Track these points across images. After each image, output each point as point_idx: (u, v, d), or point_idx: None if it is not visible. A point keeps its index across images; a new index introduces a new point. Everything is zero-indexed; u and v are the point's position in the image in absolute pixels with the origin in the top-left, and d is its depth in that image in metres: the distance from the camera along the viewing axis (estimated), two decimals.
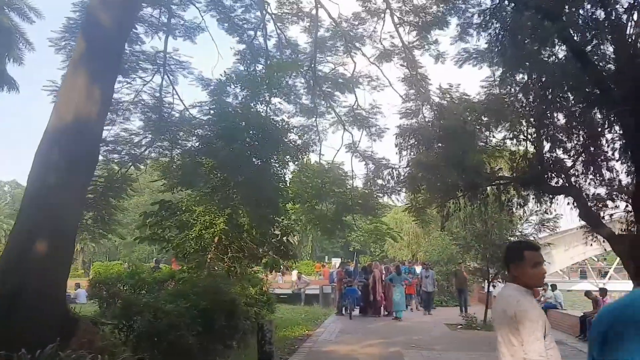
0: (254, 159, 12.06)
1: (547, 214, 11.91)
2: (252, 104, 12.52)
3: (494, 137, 12.01)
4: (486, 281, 17.97)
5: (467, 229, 17.81)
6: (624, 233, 9.03)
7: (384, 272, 21.89)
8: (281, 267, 14.16)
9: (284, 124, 14.39)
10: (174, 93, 13.95)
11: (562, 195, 10.97)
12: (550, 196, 11.01)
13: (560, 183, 10.17)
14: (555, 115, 10.80)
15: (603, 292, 17.09)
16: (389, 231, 17.85)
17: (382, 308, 20.96)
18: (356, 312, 20.73)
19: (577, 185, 9.97)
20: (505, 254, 3.74)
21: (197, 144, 12.65)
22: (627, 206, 10.08)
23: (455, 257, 20.42)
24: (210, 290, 9.35)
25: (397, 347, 12.94)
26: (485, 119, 11.70)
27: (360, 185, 16.71)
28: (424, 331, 16.21)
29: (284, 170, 15.38)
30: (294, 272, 26.37)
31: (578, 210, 9.70)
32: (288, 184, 15.08)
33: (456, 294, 22.30)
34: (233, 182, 11.50)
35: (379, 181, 14.99)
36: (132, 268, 16.41)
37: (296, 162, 15.66)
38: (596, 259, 40.52)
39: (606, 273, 41.79)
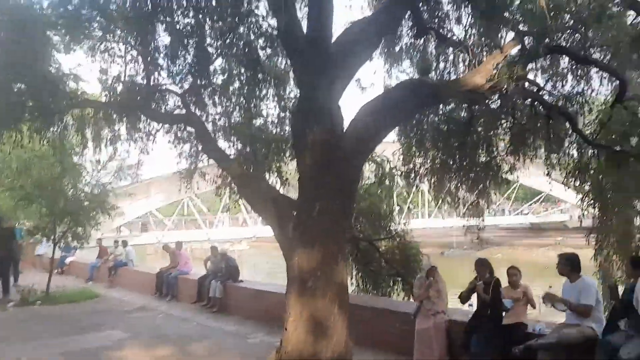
0: None
1: (145, 153, 9.48)
2: None
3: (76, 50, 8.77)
4: (51, 242, 14.44)
5: (24, 177, 13.69)
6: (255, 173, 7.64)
7: None
8: None
9: None
10: None
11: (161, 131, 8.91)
12: (153, 129, 8.75)
13: (176, 111, 8.06)
14: (159, 31, 8.51)
15: (179, 245, 16.17)
16: None
17: None
18: None
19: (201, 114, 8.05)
20: None
21: None
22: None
23: (5, 213, 15.79)
24: None
25: None
26: (61, 31, 8.35)
27: None
28: None
29: None
30: None
31: (202, 145, 7.83)
32: None
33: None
34: None
35: None
36: None
37: None
38: (158, 213, 41.12)
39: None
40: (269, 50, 8.46)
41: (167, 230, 39.86)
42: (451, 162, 10.68)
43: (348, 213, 5.65)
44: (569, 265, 6.01)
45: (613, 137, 9.98)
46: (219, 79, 8.65)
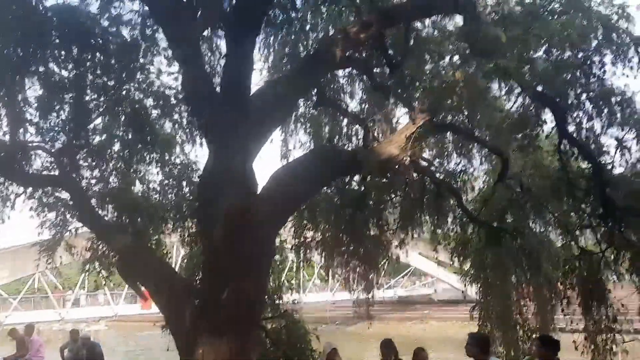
0: None
1: None
2: None
3: None
4: None
5: None
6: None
7: None
8: None
9: None
10: None
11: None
12: (11, 193, 7.44)
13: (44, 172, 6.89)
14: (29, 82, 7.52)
15: (29, 329, 13.91)
16: None
17: None
18: None
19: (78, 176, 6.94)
20: None
21: None
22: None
23: None
24: None
25: None
26: None
27: None
28: None
29: None
30: None
31: (78, 212, 6.70)
32: None
33: None
34: None
35: None
36: None
37: None
38: (1, 291, 35.92)
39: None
40: (157, 111, 7.78)
41: (11, 311, 34.86)
42: (342, 236, 10.50)
43: (262, 295, 4.98)
44: (478, 346, 5.78)
45: (494, 214, 10.49)
46: (97, 139, 7.72)
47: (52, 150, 7.08)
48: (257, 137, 5.00)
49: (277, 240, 10.89)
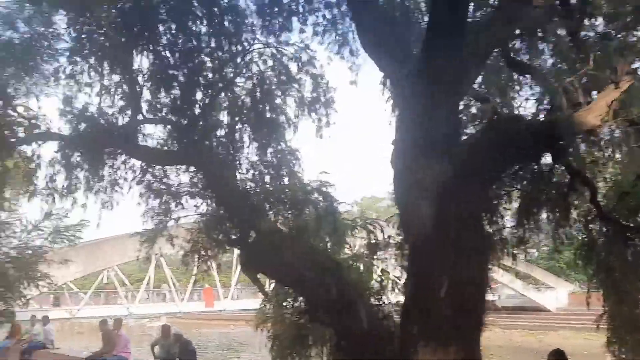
0: None
1: (108, 208, 7.40)
2: None
3: None
4: None
5: None
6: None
7: None
8: None
9: None
10: None
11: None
12: (119, 177, 6.97)
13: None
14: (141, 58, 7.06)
15: (118, 323, 13.71)
16: None
17: None
18: None
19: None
20: None
21: None
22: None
23: None
24: None
25: None
26: None
27: None
28: None
29: None
30: None
31: (214, 191, 6.12)
32: None
33: None
34: None
35: None
36: None
37: None
38: (72, 286, 36.74)
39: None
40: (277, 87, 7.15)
41: (83, 305, 35.73)
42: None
43: (486, 288, 4.15)
44: None
45: (626, 211, 9.28)
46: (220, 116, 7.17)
47: (179, 125, 6.49)
48: (464, 88, 4.21)
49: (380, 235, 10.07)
